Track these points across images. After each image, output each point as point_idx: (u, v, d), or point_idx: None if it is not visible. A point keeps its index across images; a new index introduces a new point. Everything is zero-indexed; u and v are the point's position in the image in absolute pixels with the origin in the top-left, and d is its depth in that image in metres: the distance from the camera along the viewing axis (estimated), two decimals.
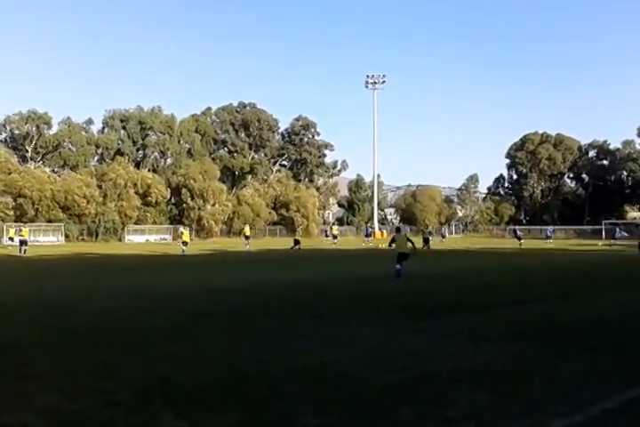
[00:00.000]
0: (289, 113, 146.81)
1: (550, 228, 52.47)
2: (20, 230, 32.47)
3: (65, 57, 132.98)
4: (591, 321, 8.58)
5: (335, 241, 42.38)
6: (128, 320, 8.66)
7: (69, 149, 64.71)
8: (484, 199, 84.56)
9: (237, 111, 77.49)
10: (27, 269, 21.68)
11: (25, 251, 29.40)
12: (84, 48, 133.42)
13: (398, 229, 19.89)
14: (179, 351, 6.41)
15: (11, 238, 39.79)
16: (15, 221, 49.66)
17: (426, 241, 36.66)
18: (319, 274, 17.87)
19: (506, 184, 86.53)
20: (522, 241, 40.61)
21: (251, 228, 43.39)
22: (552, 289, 13.20)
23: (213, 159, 70.18)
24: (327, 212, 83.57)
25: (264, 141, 76.43)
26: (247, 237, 37.62)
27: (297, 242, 34.19)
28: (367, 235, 49.60)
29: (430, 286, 14.13)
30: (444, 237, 51.58)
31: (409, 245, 15.96)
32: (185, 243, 30.72)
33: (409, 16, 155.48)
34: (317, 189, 76.86)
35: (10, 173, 52.27)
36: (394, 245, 16.39)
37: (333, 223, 67.86)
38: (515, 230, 46.57)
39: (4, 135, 63.57)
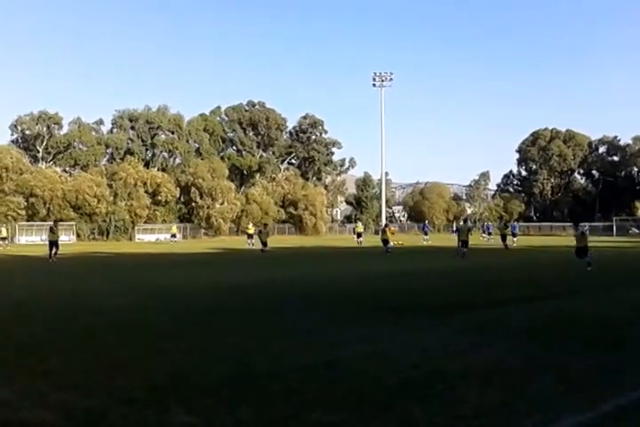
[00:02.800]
0: (296, 111, 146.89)
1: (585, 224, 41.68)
2: (52, 230, 25.08)
3: (74, 58, 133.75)
4: (603, 319, 8.54)
5: (360, 240, 37.69)
6: (141, 318, 8.73)
7: (80, 148, 65.12)
8: (494, 196, 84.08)
9: (246, 110, 77.56)
10: (40, 267, 21.86)
11: (51, 255, 23.63)
12: (94, 48, 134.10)
13: (465, 221, 29.68)
14: (191, 348, 6.47)
15: (3, 238, 39.55)
16: (27, 221, 50.27)
17: (503, 238, 31.54)
18: (335, 272, 17.89)
19: (515, 181, 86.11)
20: (516, 238, 36.24)
21: (256, 225, 42.66)
22: (563, 286, 13.14)
23: (222, 158, 70.38)
24: (335, 209, 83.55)
25: (272, 140, 76.47)
26: (250, 236, 36.80)
27: (386, 242, 27.94)
28: (425, 233, 45.11)
29: (442, 283, 14.10)
30: (515, 235, 37.78)
31: (468, 234, 23.79)
32: (359, 234, 36.27)
33: (416, 13, 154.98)
34: (325, 186, 76.91)
35: (21, 174, 52.80)
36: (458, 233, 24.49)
37: (357, 220, 62.28)
38: (504, 224, 38.74)
39: (15, 136, 64.14)
